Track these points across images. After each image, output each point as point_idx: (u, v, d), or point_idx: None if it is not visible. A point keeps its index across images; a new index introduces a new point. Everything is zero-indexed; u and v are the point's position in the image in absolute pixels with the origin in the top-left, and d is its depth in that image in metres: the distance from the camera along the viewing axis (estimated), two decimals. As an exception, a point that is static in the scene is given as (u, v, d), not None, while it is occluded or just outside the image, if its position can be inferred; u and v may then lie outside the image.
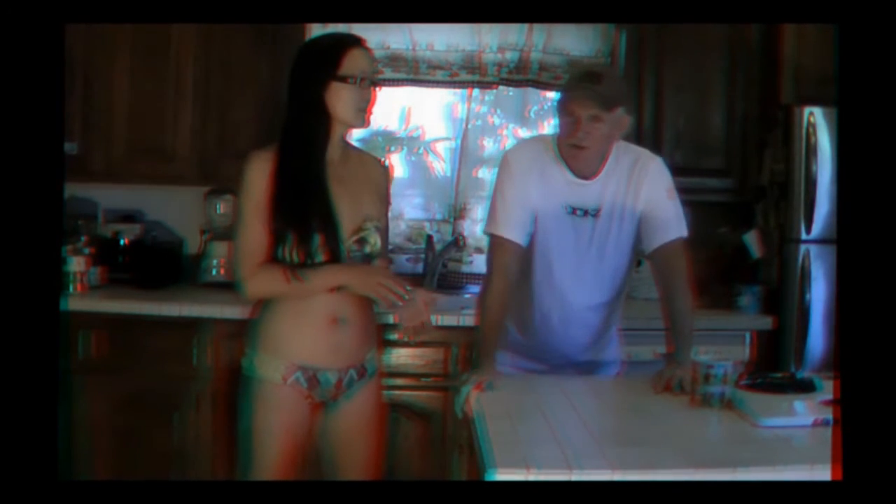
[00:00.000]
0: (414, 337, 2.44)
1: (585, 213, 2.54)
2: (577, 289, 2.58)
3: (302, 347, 2.41)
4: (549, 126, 4.27)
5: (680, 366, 2.37)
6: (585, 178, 2.54)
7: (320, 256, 2.36)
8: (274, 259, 2.36)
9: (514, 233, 2.52)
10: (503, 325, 2.55)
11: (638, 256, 2.69)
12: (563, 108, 2.46)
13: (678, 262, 2.59)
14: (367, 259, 2.44)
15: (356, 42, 2.42)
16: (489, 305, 2.51)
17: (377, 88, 2.45)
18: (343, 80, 2.37)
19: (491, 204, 2.60)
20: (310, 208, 2.36)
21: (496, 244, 2.55)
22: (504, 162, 2.60)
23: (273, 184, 2.35)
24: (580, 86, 2.44)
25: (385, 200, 2.59)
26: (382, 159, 2.94)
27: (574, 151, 2.47)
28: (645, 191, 2.56)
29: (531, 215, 2.53)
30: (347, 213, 2.41)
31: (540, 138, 2.78)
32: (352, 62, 2.38)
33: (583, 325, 2.62)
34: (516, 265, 2.54)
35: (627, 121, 2.53)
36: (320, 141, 2.40)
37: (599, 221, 2.55)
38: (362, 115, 2.42)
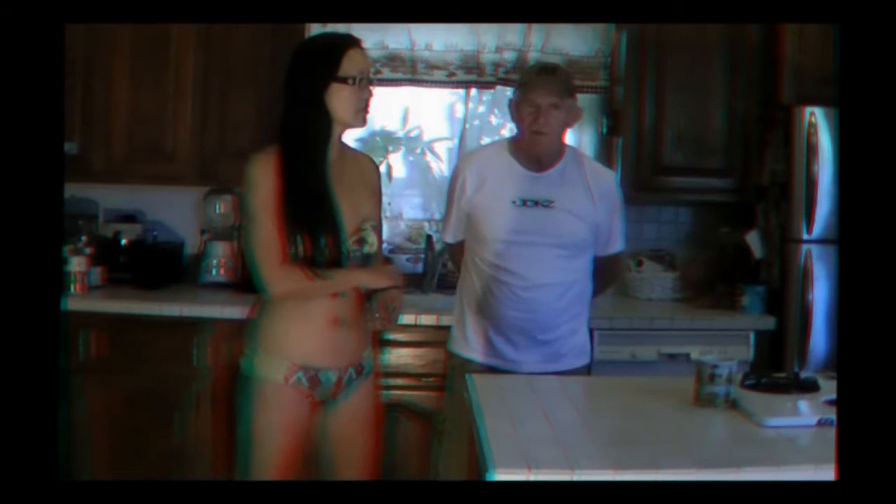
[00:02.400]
0: (377, 328, 2.48)
1: (536, 203, 2.74)
2: (529, 271, 2.73)
3: (304, 348, 2.41)
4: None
5: None
6: (538, 171, 2.76)
7: (326, 257, 2.36)
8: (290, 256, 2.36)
9: (461, 237, 2.89)
10: None
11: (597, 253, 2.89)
12: (523, 100, 2.72)
13: (617, 266, 3.09)
14: (366, 258, 2.45)
15: (354, 42, 2.43)
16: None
17: (374, 88, 2.46)
18: (343, 81, 2.38)
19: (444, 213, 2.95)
20: (317, 211, 2.36)
21: (450, 249, 3.00)
22: (452, 173, 2.92)
23: (279, 185, 2.35)
24: (538, 78, 2.73)
25: (379, 199, 2.62)
26: (377, 159, 2.95)
27: (535, 138, 2.71)
28: (599, 202, 2.80)
29: (464, 223, 2.83)
30: (347, 214, 2.42)
31: (492, 144, 3.03)
32: (351, 63, 2.39)
33: (530, 303, 2.74)
34: None
35: (579, 112, 2.82)
36: (322, 142, 2.40)
37: (554, 213, 2.74)
38: (361, 114, 2.43)
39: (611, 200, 2.86)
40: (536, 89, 2.69)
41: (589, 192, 2.79)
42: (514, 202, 2.74)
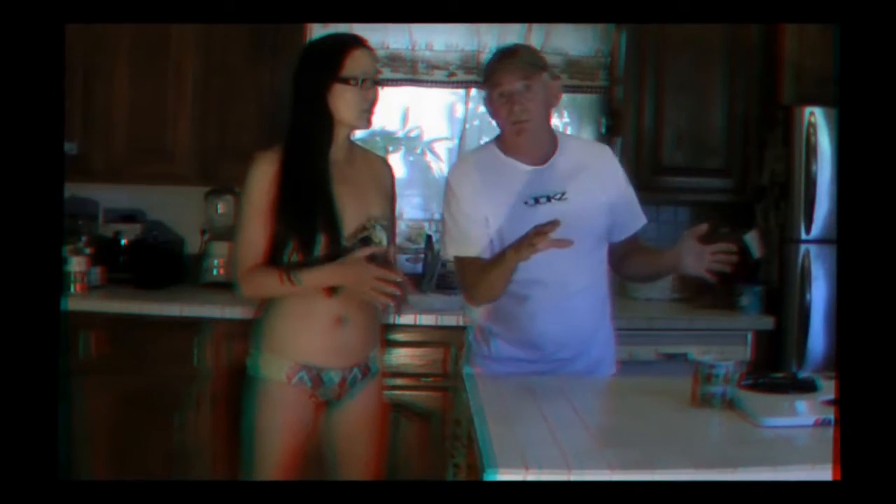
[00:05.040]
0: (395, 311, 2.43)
1: (549, 199, 2.50)
2: (555, 274, 2.47)
3: (306, 347, 2.41)
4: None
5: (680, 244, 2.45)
6: (539, 164, 2.53)
7: (322, 255, 2.37)
8: (277, 259, 2.37)
9: (476, 250, 2.50)
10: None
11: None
12: (492, 92, 2.48)
13: (642, 242, 2.69)
14: (373, 258, 2.44)
15: (358, 43, 2.42)
16: (477, 277, 2.47)
17: (380, 88, 2.46)
18: (345, 81, 2.38)
19: (444, 229, 2.59)
20: (313, 210, 2.36)
21: (462, 264, 2.53)
22: (447, 184, 2.59)
23: (276, 185, 2.36)
24: (500, 64, 2.49)
25: (391, 199, 2.60)
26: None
27: (518, 128, 2.47)
28: (608, 179, 2.60)
29: (486, 227, 2.50)
30: (352, 212, 2.42)
31: (478, 149, 2.75)
32: (354, 63, 2.39)
33: (570, 314, 2.52)
34: None
35: (557, 84, 2.56)
36: (323, 143, 2.40)
37: (568, 205, 2.50)
38: (365, 115, 2.43)
39: (617, 175, 2.63)
40: (502, 76, 2.46)
41: (595, 173, 2.58)
42: (526, 203, 2.49)
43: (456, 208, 2.53)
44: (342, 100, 2.39)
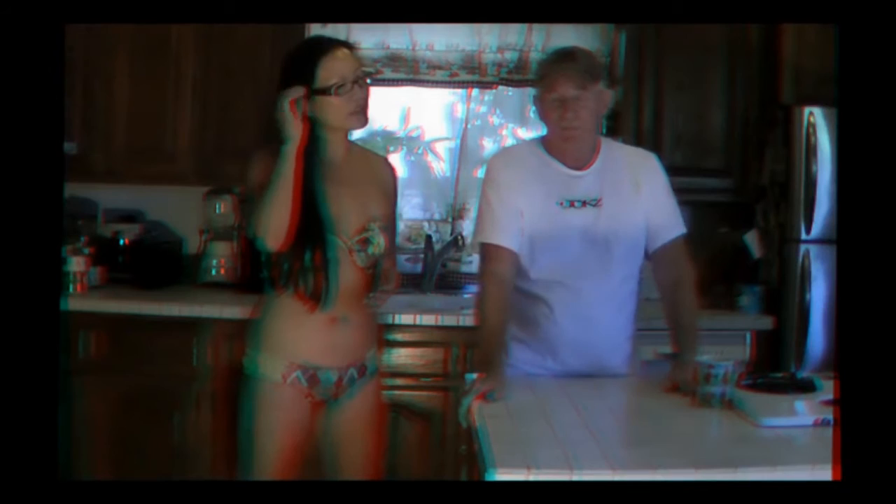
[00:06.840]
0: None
1: (584, 203, 2.48)
2: (581, 279, 2.47)
3: (302, 346, 2.41)
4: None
5: (685, 366, 2.31)
6: (579, 168, 2.51)
7: (315, 255, 2.36)
8: (267, 260, 2.39)
9: (507, 240, 2.47)
10: (505, 331, 2.45)
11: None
12: (546, 94, 2.45)
13: (681, 261, 2.59)
14: (373, 259, 2.44)
15: (329, 47, 2.38)
16: (488, 313, 2.43)
17: (368, 83, 2.42)
18: (323, 92, 2.34)
19: (478, 215, 2.57)
20: (302, 212, 2.34)
21: (488, 253, 2.50)
22: (487, 171, 2.58)
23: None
24: (558, 67, 2.46)
25: (392, 200, 2.58)
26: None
27: (567, 134, 2.45)
28: (646, 187, 2.55)
29: (520, 220, 2.48)
30: (352, 213, 2.41)
31: (523, 143, 2.75)
32: (327, 72, 2.34)
33: (590, 320, 2.50)
34: (511, 272, 2.47)
35: (609, 95, 2.53)
36: (310, 151, 2.36)
37: (603, 211, 2.49)
38: (356, 117, 2.39)
39: (657, 182, 2.57)
40: (558, 80, 2.42)
41: (634, 182, 2.53)
42: (560, 204, 2.47)
43: (493, 195, 2.51)
44: (326, 110, 2.35)
